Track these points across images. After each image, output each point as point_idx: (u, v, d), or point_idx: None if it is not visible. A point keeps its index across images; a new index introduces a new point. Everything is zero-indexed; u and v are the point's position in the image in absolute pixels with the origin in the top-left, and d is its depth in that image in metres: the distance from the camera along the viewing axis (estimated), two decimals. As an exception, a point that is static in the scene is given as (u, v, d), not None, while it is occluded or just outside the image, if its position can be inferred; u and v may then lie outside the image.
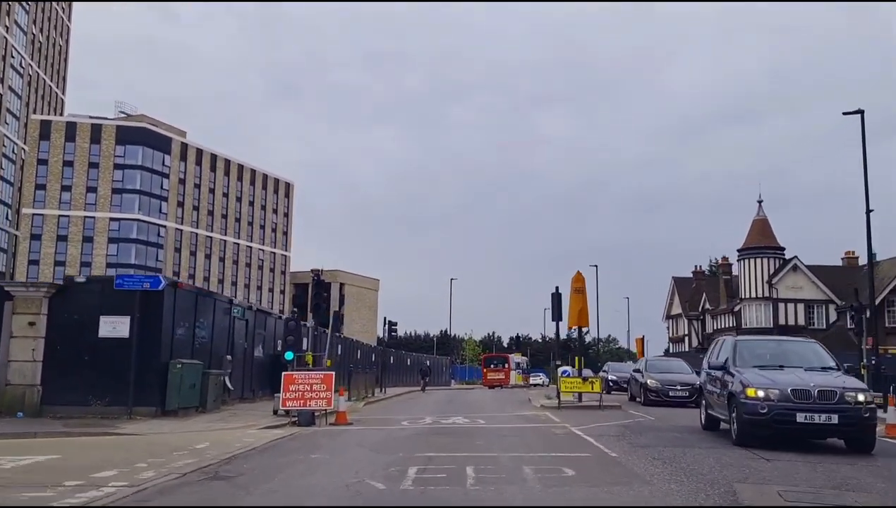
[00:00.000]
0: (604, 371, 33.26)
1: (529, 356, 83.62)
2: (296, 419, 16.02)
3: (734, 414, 11.36)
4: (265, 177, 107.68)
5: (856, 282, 54.98)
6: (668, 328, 77.79)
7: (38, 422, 14.99)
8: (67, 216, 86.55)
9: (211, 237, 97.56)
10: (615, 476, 8.86)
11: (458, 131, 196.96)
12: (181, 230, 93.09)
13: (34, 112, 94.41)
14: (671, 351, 72.05)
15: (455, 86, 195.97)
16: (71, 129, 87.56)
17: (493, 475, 8.79)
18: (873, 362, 25.57)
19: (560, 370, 24.46)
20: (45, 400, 16.29)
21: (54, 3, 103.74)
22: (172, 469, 9.30)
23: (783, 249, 57.62)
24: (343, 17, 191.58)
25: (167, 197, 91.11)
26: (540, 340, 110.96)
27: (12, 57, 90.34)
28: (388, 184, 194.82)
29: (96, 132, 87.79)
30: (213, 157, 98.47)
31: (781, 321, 55.68)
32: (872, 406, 10.93)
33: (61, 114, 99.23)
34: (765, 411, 10.67)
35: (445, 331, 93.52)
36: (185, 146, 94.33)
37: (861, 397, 10.69)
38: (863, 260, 57.61)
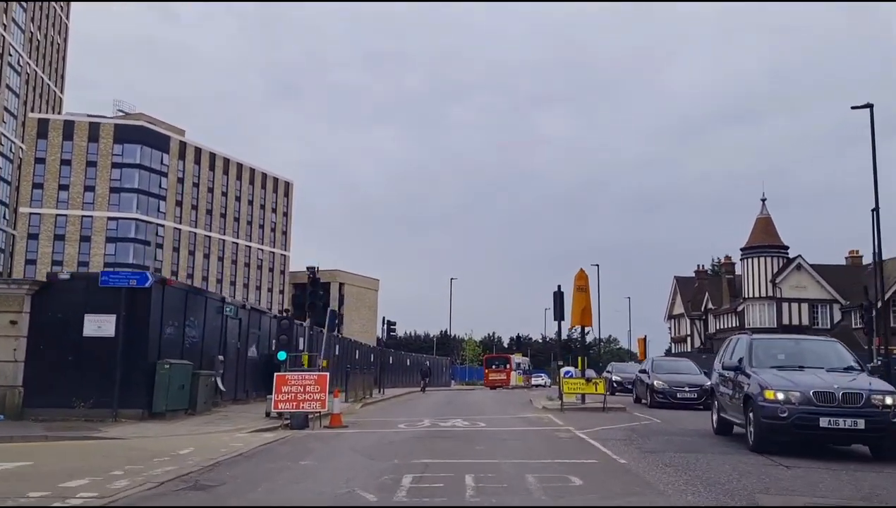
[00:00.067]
0: (607, 371, 32.61)
1: (529, 356, 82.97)
2: (288, 421, 15.38)
3: (751, 418, 10.65)
4: (264, 175, 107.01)
5: (861, 282, 54.34)
6: (669, 328, 77.08)
7: (18, 426, 14.32)
8: (65, 215, 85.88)
9: (210, 236, 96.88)
10: (626, 486, 8.21)
11: (458, 131, 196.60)
12: (179, 229, 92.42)
13: (32, 110, 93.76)
14: (673, 351, 71.37)
15: (455, 86, 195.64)
16: (69, 128, 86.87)
17: (494, 484, 8.14)
18: (879, 362, 24.90)
19: (563, 371, 23.77)
20: (26, 402, 15.61)
21: (53, 2, 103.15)
22: (149, 478, 8.64)
23: (787, 248, 56.93)
24: (343, 17, 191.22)
25: (165, 196, 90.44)
26: (540, 340, 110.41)
27: (10, 55, 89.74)
28: (388, 184, 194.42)
29: (94, 131, 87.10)
30: (212, 156, 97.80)
31: (785, 321, 55.00)
32: None
33: (59, 113, 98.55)
34: (785, 415, 9.95)
35: (445, 332, 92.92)
36: (183, 144, 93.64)
37: (889, 400, 9.96)
38: (867, 260, 57.11)
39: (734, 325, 59.67)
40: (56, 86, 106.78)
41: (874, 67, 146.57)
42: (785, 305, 55.81)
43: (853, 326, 51.86)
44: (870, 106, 27.42)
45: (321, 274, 23.21)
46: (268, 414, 16.69)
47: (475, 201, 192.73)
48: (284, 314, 23.76)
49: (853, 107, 28.22)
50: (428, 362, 62.18)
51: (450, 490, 7.82)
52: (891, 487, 8.45)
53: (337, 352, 34.82)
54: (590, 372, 28.14)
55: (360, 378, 28.84)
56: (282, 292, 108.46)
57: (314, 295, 20.99)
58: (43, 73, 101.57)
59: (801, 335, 21.35)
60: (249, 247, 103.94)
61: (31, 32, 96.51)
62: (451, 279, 70.57)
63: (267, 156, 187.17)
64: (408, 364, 58.02)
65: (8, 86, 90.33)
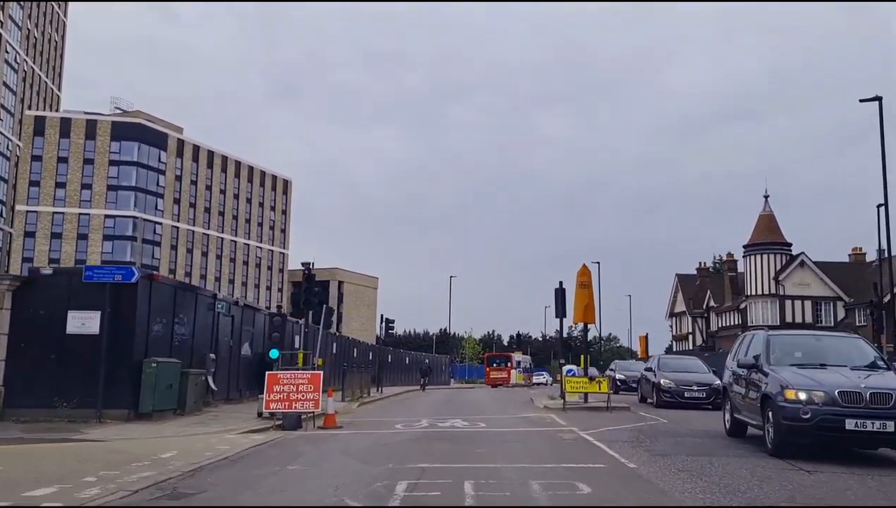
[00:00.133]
0: (611, 370, 31.91)
1: (529, 355, 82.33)
2: (281, 422, 14.75)
3: (769, 420, 9.97)
4: (263, 173, 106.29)
5: (864, 279, 53.70)
6: (671, 326, 76.44)
7: (-3, 427, 13.67)
8: (62, 213, 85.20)
9: (208, 234, 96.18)
10: (639, 494, 7.57)
11: (458, 131, 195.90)
12: (178, 227, 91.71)
13: (29, 108, 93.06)
14: (674, 349, 70.76)
15: (455, 86, 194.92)
16: (66, 125, 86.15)
17: (495, 492, 7.49)
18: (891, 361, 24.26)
19: (565, 369, 23.11)
20: (7, 403, 14.94)
21: (52, 1, 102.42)
22: (123, 485, 7.98)
23: (790, 245, 56.31)
24: (343, 17, 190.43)
25: (163, 194, 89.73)
26: (540, 339, 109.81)
27: (6, 52, 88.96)
28: (388, 184, 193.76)
29: (91, 128, 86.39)
30: (210, 154, 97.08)
31: (788, 318, 54.40)
32: None
33: (57, 110, 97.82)
34: (808, 416, 9.26)
35: (445, 330, 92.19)
36: (181, 142, 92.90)
37: None
38: (870, 257, 56.43)
39: (736, 323, 59.05)
40: (53, 83, 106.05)
41: (874, 67, 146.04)
42: (788, 303, 55.22)
43: (857, 323, 51.26)
44: (879, 98, 26.86)
45: (320, 273, 22.61)
46: (260, 415, 16.06)
47: (475, 201, 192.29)
48: (277, 311, 23.09)
49: (861, 100, 27.63)
50: (427, 360, 61.53)
51: (447, 499, 7.18)
52: (923, 494, 7.83)
53: (334, 351, 34.20)
54: (592, 371, 27.47)
55: (358, 376, 28.18)
56: (280, 290, 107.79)
57: (309, 291, 20.32)
58: (40, 70, 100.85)
59: (821, 331, 20.62)
60: (248, 245, 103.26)
61: (29, 29, 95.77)
62: (451, 277, 69.69)
63: (267, 156, 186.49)
64: (407, 362, 57.38)
65: (5, 84, 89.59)
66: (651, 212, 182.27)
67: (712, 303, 65.36)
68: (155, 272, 17.68)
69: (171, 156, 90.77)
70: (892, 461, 10.06)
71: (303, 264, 20.65)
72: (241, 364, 21.99)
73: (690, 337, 70.29)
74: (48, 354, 15.19)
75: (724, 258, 68.90)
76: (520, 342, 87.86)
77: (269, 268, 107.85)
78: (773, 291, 55.15)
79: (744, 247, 57.28)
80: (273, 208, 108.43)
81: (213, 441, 12.11)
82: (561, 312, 23.79)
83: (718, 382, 19.52)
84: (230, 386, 21.15)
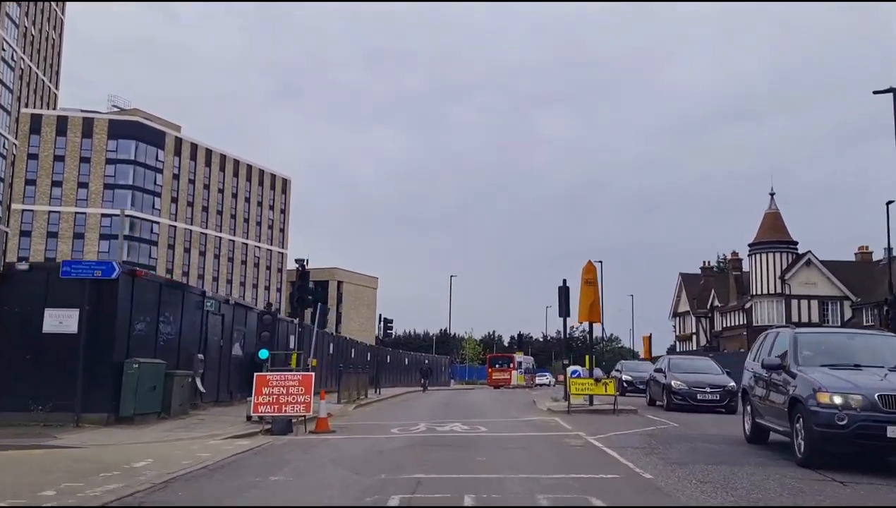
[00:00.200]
0: (617, 370, 31.03)
1: (531, 355, 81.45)
2: (270, 426, 13.90)
3: (799, 426, 9.11)
4: (261, 172, 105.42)
5: (872, 278, 52.84)
6: (674, 326, 75.51)
7: (-34, 432, 12.81)
8: (58, 212, 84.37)
9: (206, 233, 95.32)
10: (661, 512, 6.71)
11: (458, 131, 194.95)
12: (175, 226, 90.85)
13: (26, 106, 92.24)
14: (677, 349, 69.85)
15: (455, 86, 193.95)
16: (62, 123, 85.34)
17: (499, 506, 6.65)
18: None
19: (570, 370, 22.23)
20: (-20, 406, 14.09)
21: (50, 0, 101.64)
22: (85, 500, 7.13)
23: (796, 244, 55.45)
24: (343, 17, 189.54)
25: (161, 192, 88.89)
26: (541, 339, 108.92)
27: (3, 50, 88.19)
28: (389, 184, 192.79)
29: (88, 126, 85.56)
30: (209, 152, 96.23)
31: (794, 318, 53.48)
32: None
33: (54, 109, 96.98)
34: (844, 422, 8.42)
35: (445, 330, 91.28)
36: (179, 141, 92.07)
37: None
38: (877, 255, 55.55)
39: (741, 323, 58.18)
40: (51, 82, 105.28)
41: (874, 67, 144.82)
42: (794, 302, 54.35)
43: (864, 323, 50.40)
44: (893, 90, 26.13)
45: (319, 273, 21.83)
46: (249, 418, 15.19)
47: (475, 201, 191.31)
48: (267, 308, 22.23)
49: (875, 92, 26.98)
50: (427, 361, 60.67)
51: (444, 518, 6.34)
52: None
53: (331, 351, 33.35)
54: (598, 372, 26.61)
55: (355, 377, 27.29)
56: (279, 290, 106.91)
57: (302, 288, 19.51)
58: (37, 68, 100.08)
59: (854, 329, 19.65)
60: (246, 244, 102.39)
61: (26, 27, 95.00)
62: (451, 277, 68.83)
63: (267, 156, 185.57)
64: (406, 363, 56.49)
65: (2, 82, 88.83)
66: (651, 212, 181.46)
67: (717, 303, 64.46)
68: (138, 268, 16.74)
69: (169, 154, 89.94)
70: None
71: (296, 260, 19.82)
72: (231, 364, 21.12)
73: (694, 337, 69.38)
74: (23, 355, 14.32)
75: (729, 257, 67.96)
76: (520, 342, 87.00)
77: (268, 268, 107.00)
78: (778, 290, 54.28)
79: (749, 245, 56.40)
80: (272, 207, 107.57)
81: (194, 448, 11.25)
82: (565, 311, 22.96)
83: (733, 384, 18.66)
84: (220, 388, 20.28)
